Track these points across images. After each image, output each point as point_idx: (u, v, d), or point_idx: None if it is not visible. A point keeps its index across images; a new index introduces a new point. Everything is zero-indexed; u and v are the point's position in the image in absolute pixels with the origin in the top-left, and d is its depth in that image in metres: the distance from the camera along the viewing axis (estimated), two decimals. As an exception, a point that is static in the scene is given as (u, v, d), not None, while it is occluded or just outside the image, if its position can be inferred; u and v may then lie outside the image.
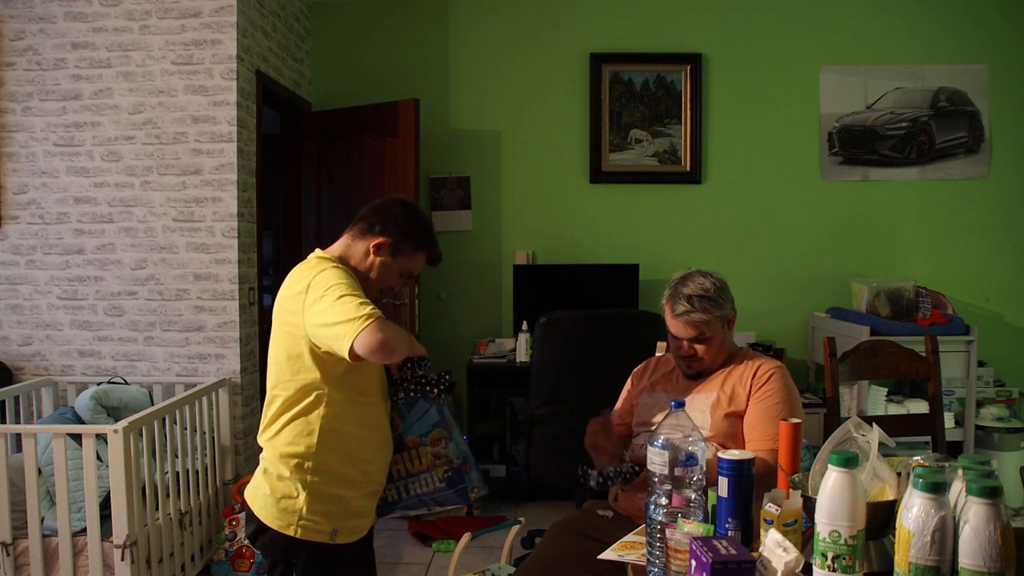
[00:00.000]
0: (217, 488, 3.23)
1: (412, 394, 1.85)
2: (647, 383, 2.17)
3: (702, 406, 2.00)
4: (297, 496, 1.76)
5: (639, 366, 2.26)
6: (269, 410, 1.81)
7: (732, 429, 1.95)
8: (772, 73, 4.37)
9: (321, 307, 1.66)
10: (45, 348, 3.43)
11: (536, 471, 3.09)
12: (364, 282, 1.85)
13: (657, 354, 2.39)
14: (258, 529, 1.80)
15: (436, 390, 1.85)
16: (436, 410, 1.86)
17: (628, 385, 2.25)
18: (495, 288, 4.45)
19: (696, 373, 2.07)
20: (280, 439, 1.78)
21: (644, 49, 4.36)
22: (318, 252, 1.86)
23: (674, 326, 2.02)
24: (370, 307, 1.64)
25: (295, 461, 1.76)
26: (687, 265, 4.44)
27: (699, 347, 2.01)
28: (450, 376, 1.89)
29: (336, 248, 1.87)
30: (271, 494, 1.77)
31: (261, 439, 1.83)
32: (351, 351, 1.60)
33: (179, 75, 3.34)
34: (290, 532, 1.76)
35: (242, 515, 3.10)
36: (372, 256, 1.84)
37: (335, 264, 1.77)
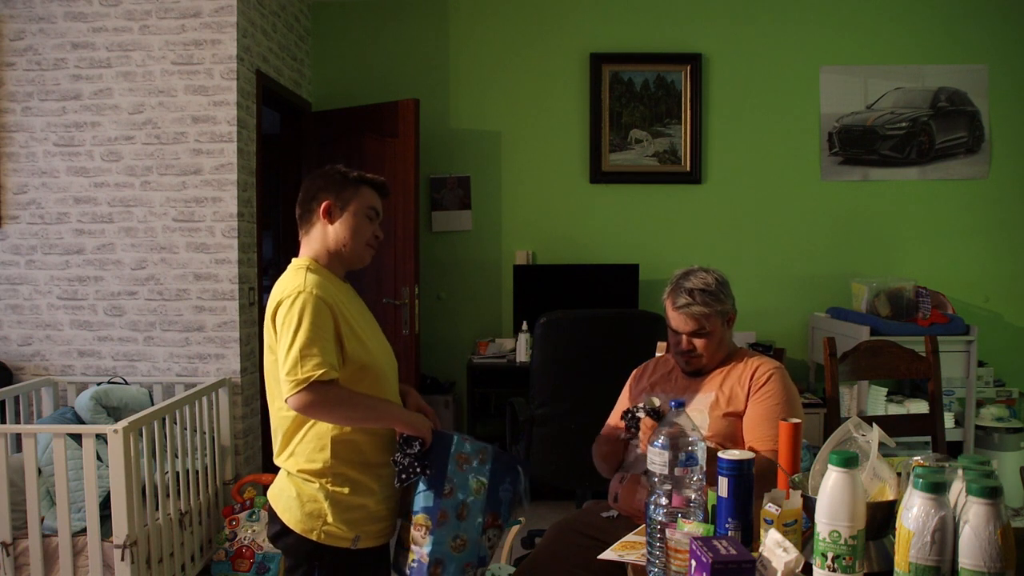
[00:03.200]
0: (217, 488, 3.23)
1: (396, 466, 1.77)
2: (647, 384, 2.17)
3: (701, 406, 1.99)
4: (321, 504, 1.75)
5: (639, 367, 2.26)
6: (279, 433, 1.80)
7: (730, 429, 1.95)
8: (772, 73, 4.37)
9: (279, 347, 1.70)
10: (45, 348, 3.43)
11: (536, 471, 3.09)
12: (346, 257, 1.84)
13: (657, 354, 2.39)
14: (281, 531, 1.80)
15: (404, 476, 1.75)
16: (434, 495, 1.77)
17: (628, 386, 2.24)
18: (495, 288, 4.45)
19: (695, 370, 2.06)
20: (295, 459, 1.78)
21: (644, 49, 4.36)
22: (297, 261, 1.85)
23: (674, 319, 2.02)
24: (309, 366, 1.64)
25: (315, 477, 1.76)
26: (687, 265, 4.44)
27: (698, 342, 2.01)
28: (425, 470, 1.76)
29: (304, 251, 1.86)
30: (296, 497, 1.77)
31: (278, 461, 1.82)
32: None
33: (179, 75, 3.34)
34: (313, 537, 1.75)
35: (242, 515, 3.10)
36: (330, 225, 1.81)
37: (310, 289, 1.71)
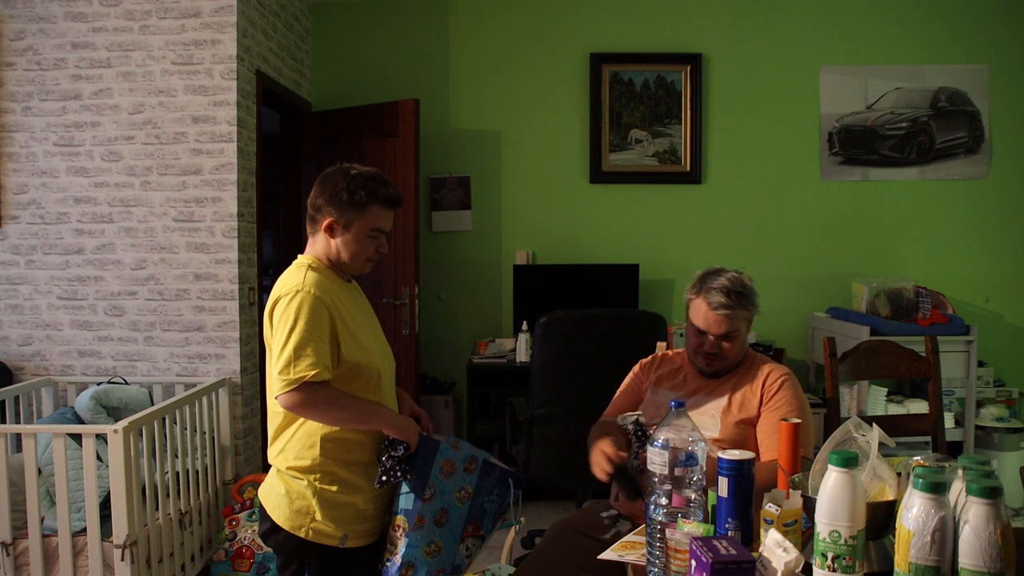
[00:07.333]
0: (217, 488, 3.23)
1: (379, 467, 1.79)
2: (653, 378, 2.13)
3: (712, 410, 1.98)
4: (310, 501, 1.77)
5: (646, 359, 2.21)
6: (272, 424, 1.82)
7: (742, 436, 1.93)
8: (772, 73, 4.37)
9: (274, 343, 1.71)
10: (45, 348, 3.42)
11: (536, 471, 3.09)
12: (345, 267, 1.84)
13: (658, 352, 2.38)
14: (271, 528, 1.81)
15: (384, 477, 1.77)
16: (415, 499, 1.78)
17: (633, 376, 2.20)
18: (495, 288, 4.45)
19: (714, 372, 2.03)
20: (285, 456, 1.79)
21: (644, 49, 4.36)
22: (300, 259, 1.85)
23: (705, 319, 1.96)
24: (302, 366, 1.65)
25: (304, 473, 1.77)
26: (687, 265, 4.40)
27: (725, 344, 1.98)
28: (406, 474, 1.78)
29: (309, 251, 1.87)
30: (285, 494, 1.78)
31: (270, 456, 1.84)
32: None
33: (179, 75, 3.34)
34: (301, 534, 1.77)
35: (242, 515, 3.11)
36: (331, 240, 1.81)
37: (308, 288, 1.73)
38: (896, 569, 1.21)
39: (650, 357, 2.23)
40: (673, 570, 1.31)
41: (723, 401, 1.99)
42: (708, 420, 1.96)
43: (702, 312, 1.98)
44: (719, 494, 1.40)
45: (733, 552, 1.15)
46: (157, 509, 2.72)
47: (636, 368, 2.21)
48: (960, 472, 1.23)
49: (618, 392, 2.21)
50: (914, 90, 4.34)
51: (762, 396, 1.97)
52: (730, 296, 1.94)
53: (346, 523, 1.78)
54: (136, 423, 2.58)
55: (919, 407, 3.72)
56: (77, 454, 2.65)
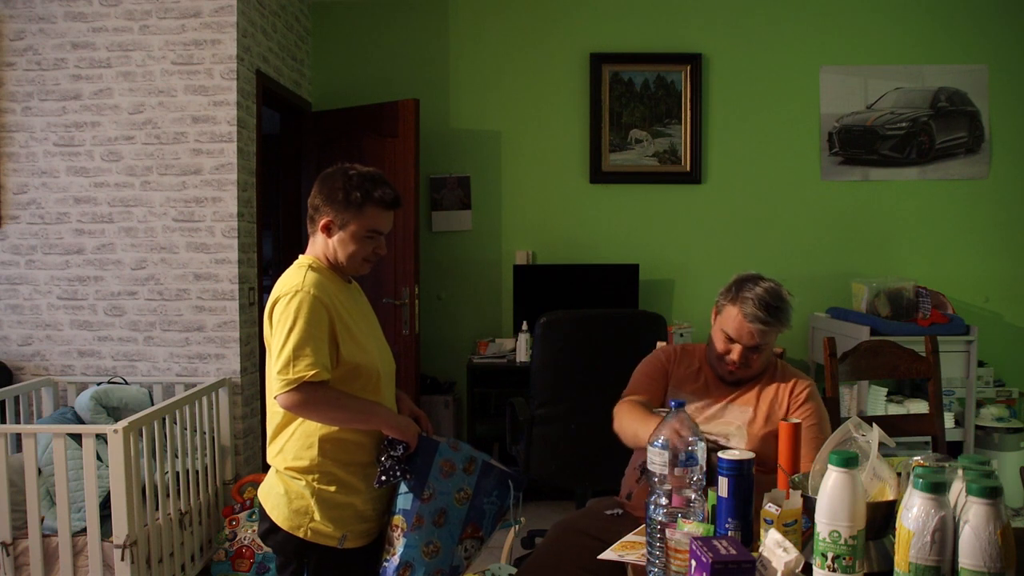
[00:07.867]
0: (217, 488, 3.23)
1: (378, 467, 1.79)
2: (674, 377, 2.06)
3: (739, 422, 1.95)
4: (308, 501, 1.77)
5: (668, 349, 2.14)
6: (271, 424, 1.82)
7: (767, 448, 1.87)
8: (772, 73, 4.37)
9: (273, 343, 1.72)
10: (45, 348, 3.42)
11: (536, 471, 3.09)
12: (342, 267, 1.83)
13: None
14: (270, 528, 1.81)
15: (384, 477, 1.76)
16: (413, 498, 1.78)
17: (658, 360, 2.10)
18: (495, 288, 4.45)
19: (736, 380, 2.00)
20: (283, 456, 1.79)
21: (644, 49, 4.36)
22: (301, 259, 1.85)
23: (738, 330, 1.91)
24: (301, 366, 1.66)
25: (302, 474, 1.77)
26: (687, 265, 4.39)
27: (753, 356, 1.94)
28: (405, 474, 1.78)
29: (310, 251, 1.87)
30: (284, 494, 1.78)
31: (269, 456, 1.84)
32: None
33: (179, 75, 3.34)
34: (299, 534, 1.77)
35: (242, 515, 3.11)
36: (328, 239, 1.81)
37: (307, 288, 1.73)
38: (896, 569, 1.21)
39: (671, 347, 2.15)
40: (673, 570, 1.31)
41: (748, 413, 1.96)
42: (734, 431, 1.94)
43: (735, 320, 1.92)
44: (719, 494, 1.40)
45: (733, 552, 1.15)
46: (157, 509, 2.72)
47: (660, 353, 2.12)
48: (960, 472, 1.23)
49: (640, 374, 2.10)
50: (914, 90, 4.34)
51: (788, 406, 1.95)
52: (768, 310, 1.89)
53: (345, 523, 1.78)
54: (136, 423, 2.58)
55: (919, 407, 3.72)
56: (77, 454, 2.65)
